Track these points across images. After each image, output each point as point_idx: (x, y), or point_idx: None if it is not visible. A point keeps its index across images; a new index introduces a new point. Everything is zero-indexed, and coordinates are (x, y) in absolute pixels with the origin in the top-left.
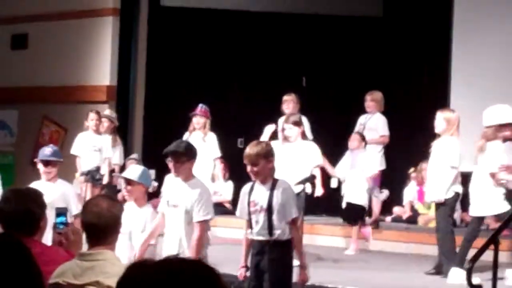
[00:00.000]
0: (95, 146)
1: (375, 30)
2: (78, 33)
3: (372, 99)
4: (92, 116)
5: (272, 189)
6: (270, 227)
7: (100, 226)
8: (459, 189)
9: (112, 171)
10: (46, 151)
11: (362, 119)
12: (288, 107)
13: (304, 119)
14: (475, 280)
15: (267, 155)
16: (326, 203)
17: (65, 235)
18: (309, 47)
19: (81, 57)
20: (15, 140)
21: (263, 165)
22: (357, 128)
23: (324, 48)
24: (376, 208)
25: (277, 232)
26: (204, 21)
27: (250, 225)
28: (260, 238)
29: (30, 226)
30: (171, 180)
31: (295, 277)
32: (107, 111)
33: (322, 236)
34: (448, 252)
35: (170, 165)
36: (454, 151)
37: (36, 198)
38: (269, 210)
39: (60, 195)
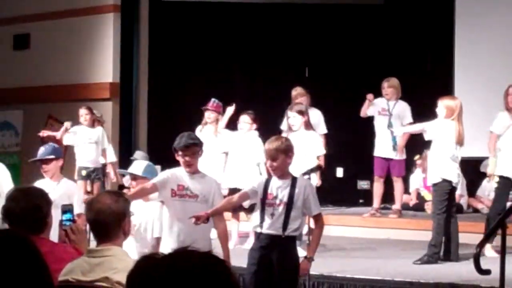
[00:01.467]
0: (90, 138)
1: (376, 18)
2: (79, 31)
3: (390, 86)
4: (82, 112)
5: (293, 184)
6: (286, 222)
7: (102, 223)
8: (453, 176)
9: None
10: (40, 150)
11: (383, 103)
12: (300, 100)
13: (318, 113)
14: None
15: (287, 150)
16: (332, 193)
17: (69, 231)
18: (311, 37)
19: (83, 55)
20: (20, 140)
21: (282, 160)
22: (377, 111)
23: (326, 38)
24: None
25: (291, 228)
26: (205, 14)
27: (261, 218)
28: (272, 232)
29: (38, 224)
30: (178, 173)
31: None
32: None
33: (330, 226)
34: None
35: (184, 159)
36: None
37: (43, 195)
38: (289, 204)
39: (63, 193)
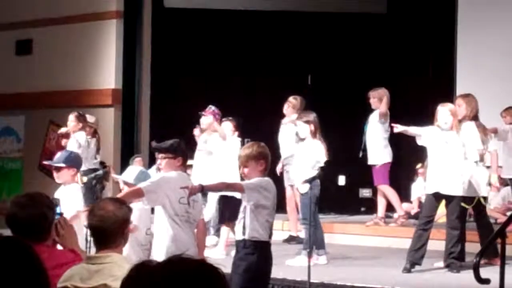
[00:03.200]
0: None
1: (379, 26)
2: (82, 37)
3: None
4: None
5: None
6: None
7: (104, 229)
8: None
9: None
10: (56, 155)
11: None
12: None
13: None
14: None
15: (258, 157)
16: (334, 201)
17: (58, 224)
18: (314, 45)
19: (86, 61)
20: (22, 145)
21: (253, 167)
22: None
23: (329, 46)
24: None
25: (247, 232)
26: (208, 22)
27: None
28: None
29: (43, 231)
30: (182, 177)
31: None
32: (87, 116)
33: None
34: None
35: (162, 163)
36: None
37: (48, 202)
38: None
39: (66, 196)
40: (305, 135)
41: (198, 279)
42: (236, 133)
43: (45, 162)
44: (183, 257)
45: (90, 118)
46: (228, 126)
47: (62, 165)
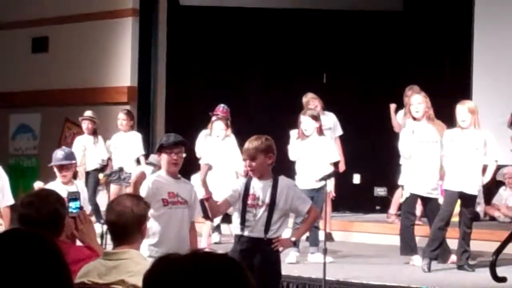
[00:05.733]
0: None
1: (395, 24)
2: (98, 35)
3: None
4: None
5: (274, 185)
6: (268, 224)
7: (122, 225)
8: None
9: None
10: (59, 154)
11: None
12: (315, 104)
13: (333, 116)
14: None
15: (267, 150)
16: (349, 199)
17: (78, 218)
18: (329, 43)
19: (102, 59)
20: (38, 143)
21: (262, 160)
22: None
23: (345, 44)
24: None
25: (273, 230)
26: (223, 20)
27: (242, 220)
28: (254, 235)
29: (57, 227)
30: (162, 179)
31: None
32: (88, 112)
33: (346, 232)
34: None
35: (171, 157)
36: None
37: (59, 198)
38: (271, 206)
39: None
40: (311, 132)
41: (220, 273)
42: (229, 131)
43: (63, 162)
44: (204, 251)
45: (93, 114)
46: (220, 126)
47: (74, 161)
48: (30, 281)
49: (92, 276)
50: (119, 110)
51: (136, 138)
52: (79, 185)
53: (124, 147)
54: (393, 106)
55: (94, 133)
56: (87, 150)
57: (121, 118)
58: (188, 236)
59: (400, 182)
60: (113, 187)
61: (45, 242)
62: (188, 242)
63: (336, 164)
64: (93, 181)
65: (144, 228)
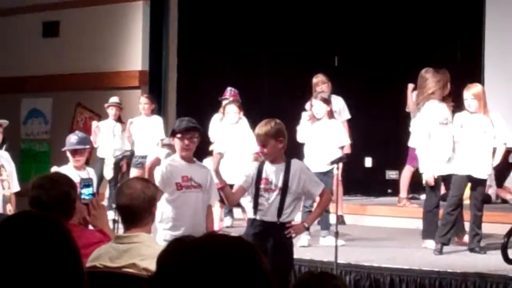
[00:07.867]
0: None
1: (406, 7)
2: (109, 19)
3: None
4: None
5: (287, 169)
6: (281, 208)
7: (133, 208)
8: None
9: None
10: (72, 139)
11: None
12: (322, 88)
13: (341, 100)
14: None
15: (277, 134)
16: (360, 183)
17: (90, 205)
18: (341, 26)
19: (113, 43)
20: (50, 127)
21: (273, 145)
22: None
23: (356, 27)
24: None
25: (286, 214)
26: (234, 2)
27: (255, 204)
28: (267, 218)
29: (68, 210)
30: (176, 163)
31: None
32: (114, 98)
33: (358, 215)
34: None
35: (183, 142)
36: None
37: (69, 181)
38: (284, 190)
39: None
40: (322, 115)
41: (235, 256)
42: (241, 113)
43: (77, 147)
44: (219, 234)
45: (119, 100)
46: (233, 109)
47: (88, 146)
48: (40, 263)
49: (104, 260)
50: (131, 94)
51: (157, 122)
52: (91, 172)
53: (146, 131)
54: (411, 86)
55: (119, 119)
56: (115, 136)
57: (143, 102)
58: (204, 221)
59: (421, 167)
60: (134, 171)
61: (55, 224)
62: (204, 226)
63: (342, 148)
64: (117, 167)
65: (154, 210)
